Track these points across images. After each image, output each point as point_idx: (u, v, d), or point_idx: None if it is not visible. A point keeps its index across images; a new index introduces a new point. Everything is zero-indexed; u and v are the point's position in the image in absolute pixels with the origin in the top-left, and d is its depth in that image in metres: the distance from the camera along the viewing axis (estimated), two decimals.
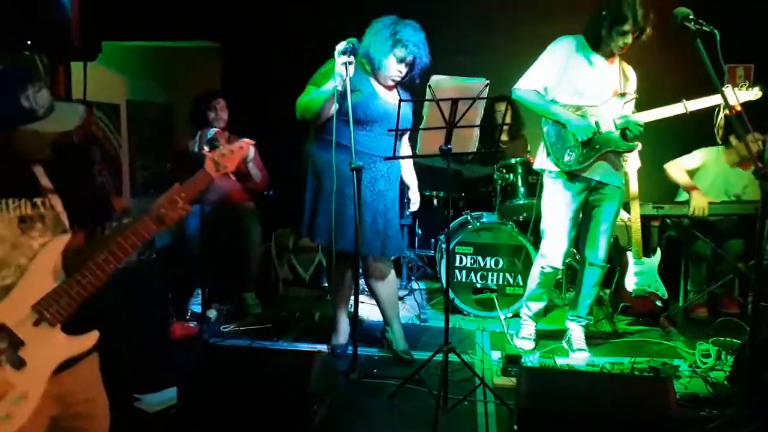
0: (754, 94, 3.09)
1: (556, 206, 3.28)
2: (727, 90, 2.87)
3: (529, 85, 3.21)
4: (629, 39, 3.07)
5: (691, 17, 2.44)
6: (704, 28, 2.43)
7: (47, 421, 1.54)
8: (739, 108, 2.93)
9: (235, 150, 1.77)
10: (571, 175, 3.23)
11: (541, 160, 3.34)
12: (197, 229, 3.86)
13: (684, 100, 3.10)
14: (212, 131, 3.83)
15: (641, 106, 3.22)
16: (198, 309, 3.84)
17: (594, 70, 3.18)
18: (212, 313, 3.86)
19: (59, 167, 1.62)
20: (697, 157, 4.15)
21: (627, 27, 3.02)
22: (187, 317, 3.81)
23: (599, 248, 3.34)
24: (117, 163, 5.49)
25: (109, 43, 4.56)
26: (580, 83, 3.17)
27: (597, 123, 3.16)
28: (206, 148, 3.76)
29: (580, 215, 3.35)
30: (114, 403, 1.73)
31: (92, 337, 1.56)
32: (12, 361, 1.45)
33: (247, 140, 1.82)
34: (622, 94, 3.20)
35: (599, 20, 3.09)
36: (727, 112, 3.05)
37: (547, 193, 3.34)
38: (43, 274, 1.50)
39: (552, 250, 3.32)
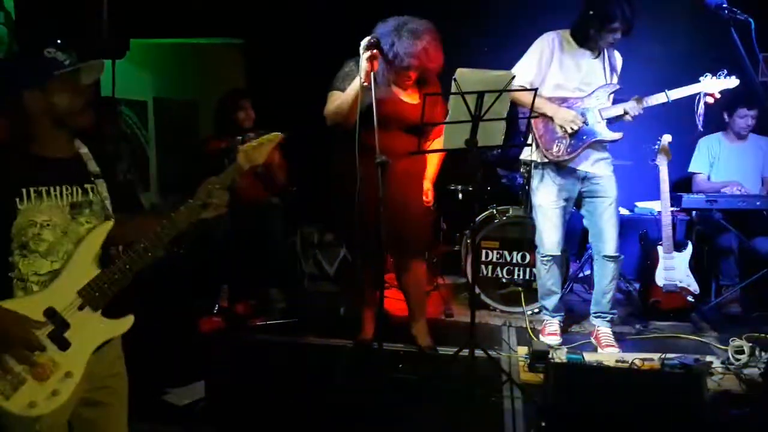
0: (731, 82, 3.15)
1: (545, 196, 3.36)
2: (706, 79, 3.15)
3: (515, 80, 3.18)
4: (618, 35, 3.13)
5: (724, 5, 2.39)
6: (738, 16, 2.38)
7: (78, 400, 1.63)
8: (718, 96, 3.18)
9: (264, 142, 1.76)
10: (559, 166, 3.30)
11: (529, 152, 3.39)
12: (223, 224, 3.90)
13: (666, 90, 3.17)
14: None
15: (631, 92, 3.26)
16: (225, 304, 3.87)
17: (580, 65, 3.25)
18: (239, 309, 3.88)
19: (102, 152, 1.72)
20: (702, 157, 4.17)
21: (616, 25, 3.09)
22: (214, 312, 3.84)
23: (608, 239, 3.34)
24: (144, 160, 5.56)
25: (137, 40, 4.63)
26: (565, 78, 3.25)
27: (583, 113, 3.23)
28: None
29: (572, 205, 3.43)
30: (143, 396, 1.77)
31: (128, 321, 1.64)
32: (59, 343, 1.54)
33: (276, 133, 1.79)
34: (608, 85, 3.26)
35: (588, 20, 3.16)
36: (708, 100, 3.21)
37: (535, 184, 3.41)
38: (87, 260, 1.58)
39: (546, 240, 3.40)
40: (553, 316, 3.53)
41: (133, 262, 1.60)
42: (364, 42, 2.86)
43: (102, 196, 1.65)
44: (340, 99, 3.02)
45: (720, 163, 4.15)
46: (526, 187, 4.18)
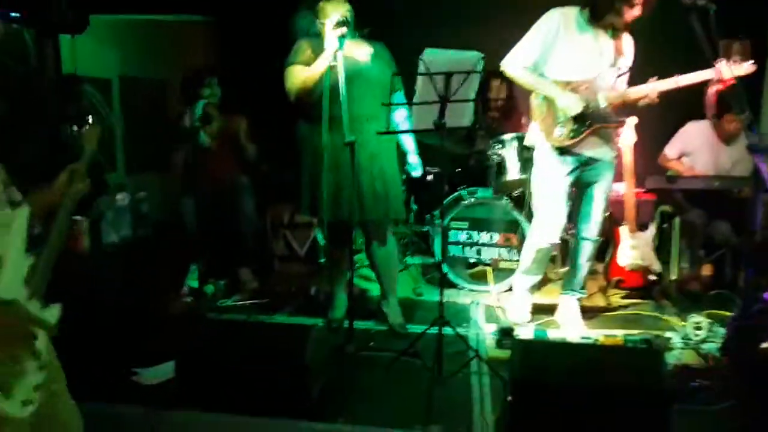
0: (746, 68, 2.95)
1: (548, 182, 3.28)
2: (720, 64, 2.84)
3: (517, 60, 3.17)
4: (638, 11, 3.01)
5: None
6: (698, 2, 2.41)
7: None
8: (732, 82, 2.89)
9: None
10: (562, 151, 3.21)
11: (532, 135, 3.34)
12: (192, 204, 3.86)
13: (675, 75, 3.04)
14: (201, 103, 3.80)
15: (638, 79, 3.19)
16: (194, 284, 3.86)
17: (586, 44, 3.13)
18: (209, 289, 3.87)
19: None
20: (677, 143, 4.16)
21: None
22: (184, 292, 3.82)
23: (594, 223, 3.35)
24: (110, 140, 5.44)
25: (101, 16, 4.50)
26: (570, 58, 3.13)
27: (587, 98, 3.12)
28: (198, 123, 3.77)
29: (572, 190, 3.36)
30: (112, 377, 1.75)
31: (58, 310, 1.57)
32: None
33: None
34: (615, 69, 3.17)
35: None
36: (719, 87, 3.03)
37: (538, 169, 3.33)
38: (22, 249, 1.52)
39: (547, 226, 3.30)
40: (528, 293, 3.57)
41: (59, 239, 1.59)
42: (331, 20, 2.87)
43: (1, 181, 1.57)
44: (303, 75, 3.02)
45: (698, 156, 4.10)
46: (494, 170, 4.24)
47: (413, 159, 3.53)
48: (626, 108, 3.22)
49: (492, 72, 4.30)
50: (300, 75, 3.05)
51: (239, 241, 4.03)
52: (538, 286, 3.75)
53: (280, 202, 4.52)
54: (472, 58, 2.75)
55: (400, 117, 3.29)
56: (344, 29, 2.86)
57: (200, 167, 3.91)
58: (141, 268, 3.38)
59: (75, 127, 3.43)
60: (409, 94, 3.17)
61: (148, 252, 3.48)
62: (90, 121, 1.87)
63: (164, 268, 3.78)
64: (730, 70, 2.85)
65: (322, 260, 4.26)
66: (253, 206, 4.03)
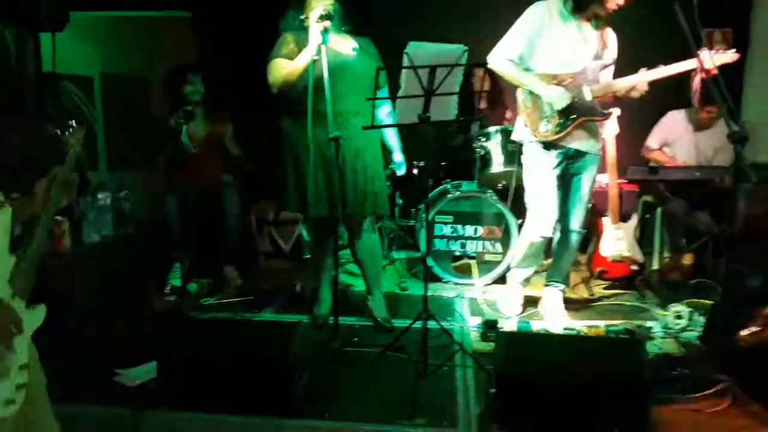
0: (730, 56, 2.99)
1: (539, 176, 3.27)
2: (703, 53, 2.82)
3: (502, 54, 3.17)
4: (621, 0, 3.02)
5: None
6: None
7: None
8: (715, 71, 2.90)
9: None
10: (548, 145, 3.21)
11: (519, 131, 3.34)
12: (175, 202, 3.84)
13: (661, 65, 3.07)
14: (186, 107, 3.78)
15: (622, 70, 3.22)
16: (178, 283, 3.84)
17: (570, 35, 3.14)
18: (192, 287, 3.86)
19: None
20: (658, 133, 4.17)
21: None
22: (167, 291, 3.80)
23: (577, 216, 3.37)
24: (91, 138, 5.39)
25: (80, 13, 4.45)
26: (555, 51, 3.13)
27: (573, 91, 3.13)
28: (182, 121, 3.74)
29: (559, 183, 3.36)
30: (93, 378, 1.74)
31: (42, 310, 1.59)
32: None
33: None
34: (599, 61, 3.18)
35: None
36: (703, 75, 3.05)
37: (528, 164, 3.33)
38: (5, 248, 1.53)
39: (541, 220, 3.30)
40: (518, 287, 3.58)
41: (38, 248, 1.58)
42: (315, 13, 2.86)
43: None
44: (286, 69, 3.01)
45: (679, 145, 4.14)
46: (479, 164, 4.26)
47: (398, 157, 3.54)
48: (615, 100, 3.24)
49: (474, 64, 4.34)
50: (283, 69, 3.03)
51: (224, 239, 4.01)
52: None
53: (265, 198, 4.51)
54: (455, 50, 2.75)
55: (384, 113, 3.29)
56: (328, 23, 2.85)
57: (184, 167, 3.89)
58: (123, 267, 3.35)
59: (58, 131, 3.38)
60: (393, 89, 3.18)
61: (130, 251, 3.46)
62: (73, 124, 1.84)
63: (147, 267, 3.76)
64: (712, 59, 2.86)
65: (307, 256, 4.25)
66: (237, 203, 4.01)
